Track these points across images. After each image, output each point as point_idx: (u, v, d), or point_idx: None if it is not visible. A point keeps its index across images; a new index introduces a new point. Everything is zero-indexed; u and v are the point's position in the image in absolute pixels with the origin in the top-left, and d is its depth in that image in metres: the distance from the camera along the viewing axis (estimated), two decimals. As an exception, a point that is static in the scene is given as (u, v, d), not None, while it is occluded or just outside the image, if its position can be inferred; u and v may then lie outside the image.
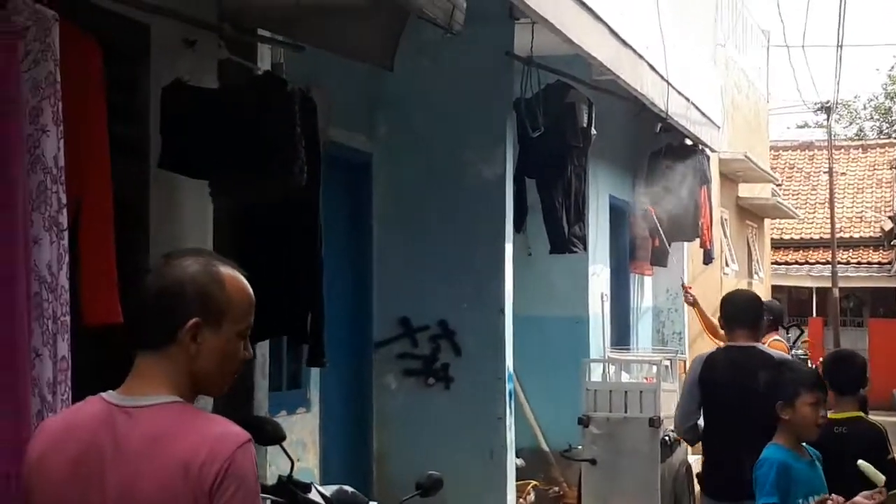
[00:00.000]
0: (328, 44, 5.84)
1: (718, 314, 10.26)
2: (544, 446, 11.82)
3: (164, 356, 2.80)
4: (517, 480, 9.75)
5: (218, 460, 2.68)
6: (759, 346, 7.31)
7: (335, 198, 8.30)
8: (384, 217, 9.44)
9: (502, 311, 9.21)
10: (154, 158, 5.47)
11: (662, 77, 11.57)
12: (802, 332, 13.74)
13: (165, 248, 5.38)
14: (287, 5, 5.36)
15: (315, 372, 8.23)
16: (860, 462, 5.33)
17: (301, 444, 8.00)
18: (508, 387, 9.25)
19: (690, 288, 12.13)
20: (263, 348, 6.37)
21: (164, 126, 5.29)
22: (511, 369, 9.35)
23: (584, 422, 9.92)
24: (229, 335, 2.85)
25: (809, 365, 25.58)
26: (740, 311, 7.35)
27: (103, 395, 2.85)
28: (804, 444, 5.54)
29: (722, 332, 8.66)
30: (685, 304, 14.40)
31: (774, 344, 10.23)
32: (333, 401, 8.80)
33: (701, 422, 7.31)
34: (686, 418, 7.37)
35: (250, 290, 2.90)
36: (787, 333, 12.56)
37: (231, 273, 2.87)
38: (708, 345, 12.19)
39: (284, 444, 4.92)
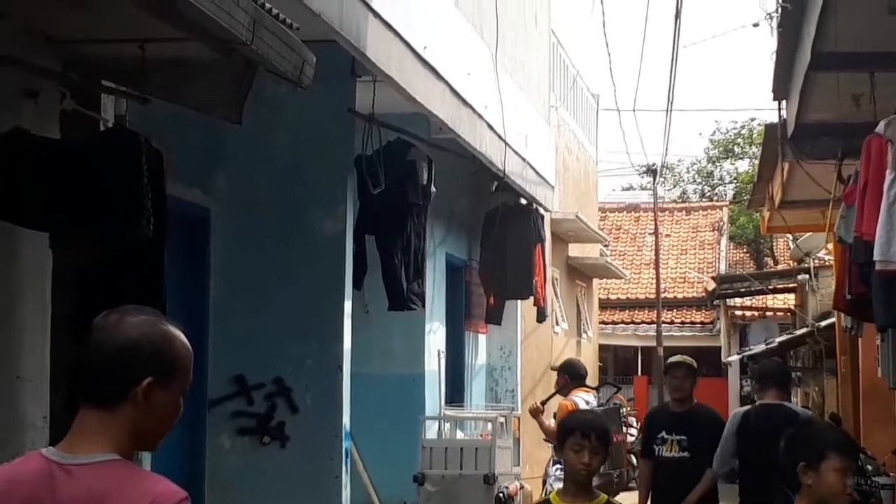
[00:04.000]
0: (175, 96, 5.76)
1: (557, 375, 10.53)
2: (378, 505, 11.73)
3: (111, 413, 2.80)
4: (351, 541, 9.65)
5: None
6: (787, 404, 8.54)
7: (169, 252, 8.14)
8: (222, 273, 9.29)
9: (340, 368, 9.15)
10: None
11: (500, 136, 11.73)
12: (618, 389, 13.98)
13: (3, 300, 5.21)
14: (133, 57, 5.26)
15: (147, 430, 8.01)
16: None
17: (133, 505, 7.77)
18: (345, 445, 9.17)
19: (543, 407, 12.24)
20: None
21: (1, 175, 5.12)
22: (348, 427, 9.27)
23: (419, 479, 9.89)
24: (177, 392, 2.88)
25: (634, 423, 26.10)
26: (772, 373, 8.67)
27: (43, 451, 2.82)
28: None
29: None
30: (518, 364, 14.56)
31: (563, 403, 10.87)
32: (165, 460, 8.58)
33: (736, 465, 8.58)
34: (723, 464, 8.61)
35: (190, 346, 2.92)
36: (598, 392, 12.83)
37: (176, 331, 2.90)
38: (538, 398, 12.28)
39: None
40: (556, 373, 12.26)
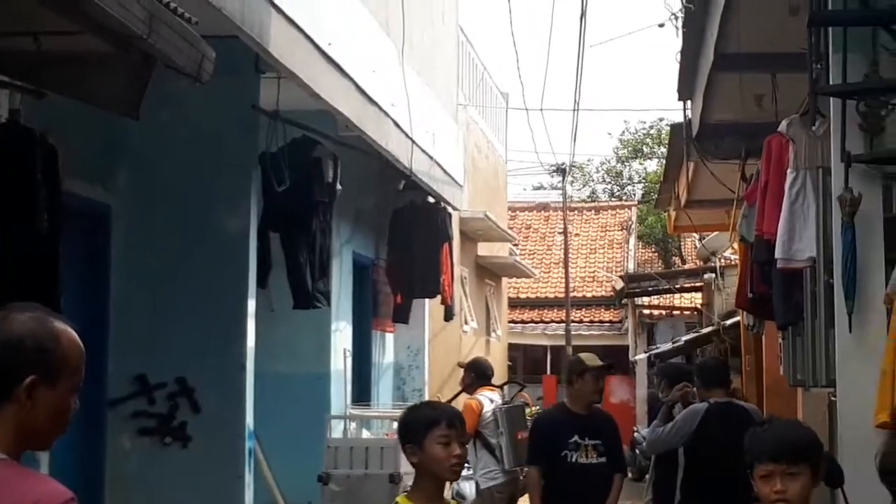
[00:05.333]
0: (71, 91, 5.64)
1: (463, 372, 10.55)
2: (283, 506, 11.64)
3: None
4: (255, 541, 9.56)
5: None
6: (738, 402, 8.83)
7: (69, 249, 8.00)
8: (123, 271, 9.15)
9: (243, 367, 9.06)
10: None
11: (407, 135, 11.70)
12: (523, 387, 14.06)
13: None
14: (28, 50, 5.14)
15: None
16: None
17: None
18: (248, 445, 9.08)
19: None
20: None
21: None
22: (251, 427, 9.18)
23: (324, 479, 9.82)
24: (64, 390, 2.82)
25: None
26: (713, 370, 9.03)
27: None
28: None
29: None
30: (426, 363, 14.57)
31: (468, 402, 11.04)
32: (63, 461, 8.42)
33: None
34: (655, 450, 9.10)
35: (81, 344, 2.88)
36: (503, 390, 12.90)
37: (64, 328, 2.85)
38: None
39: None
40: (462, 370, 12.27)
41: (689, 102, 10.90)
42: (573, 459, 8.42)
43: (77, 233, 8.50)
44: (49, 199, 5.26)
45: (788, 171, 6.79)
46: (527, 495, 8.84)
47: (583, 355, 9.02)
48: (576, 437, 8.45)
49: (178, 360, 9.11)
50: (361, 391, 13.84)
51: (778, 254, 6.74)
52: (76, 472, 8.75)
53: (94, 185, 8.83)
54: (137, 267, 9.15)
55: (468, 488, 13.58)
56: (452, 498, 14.55)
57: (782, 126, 7.04)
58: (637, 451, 19.72)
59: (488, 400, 11.80)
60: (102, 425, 9.05)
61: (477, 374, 11.99)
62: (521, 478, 13.58)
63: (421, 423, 4.58)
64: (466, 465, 13.78)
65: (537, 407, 29.70)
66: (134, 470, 9.08)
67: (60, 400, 2.82)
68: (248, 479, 9.11)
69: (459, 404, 11.68)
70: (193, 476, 8.97)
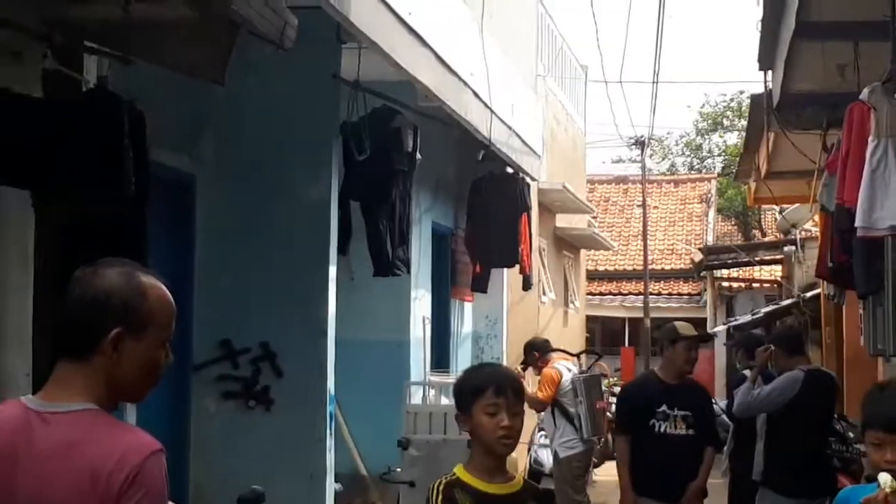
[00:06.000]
0: (158, 58, 5.77)
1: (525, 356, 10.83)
2: (363, 470, 11.79)
3: (85, 365, 2.85)
4: (336, 505, 9.72)
5: (126, 468, 2.72)
6: (823, 368, 9.53)
7: (155, 218, 8.16)
8: (207, 239, 9.31)
9: (325, 333, 9.18)
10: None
11: (486, 104, 11.74)
12: (599, 356, 14.12)
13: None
14: (116, 17, 5.26)
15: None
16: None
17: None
18: (329, 409, 9.21)
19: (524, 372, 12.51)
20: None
21: (-19, 132, 5.15)
22: (332, 392, 9.32)
23: (403, 444, 9.93)
24: (151, 344, 2.90)
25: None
26: (795, 339, 9.40)
27: (23, 399, 2.89)
28: None
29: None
30: (504, 332, 14.66)
31: (547, 372, 11.46)
32: (149, 423, 8.60)
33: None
34: (756, 410, 9.01)
35: (171, 299, 2.96)
36: (579, 360, 13.05)
37: (153, 283, 2.93)
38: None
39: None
40: (524, 353, 12.47)
41: (769, 72, 10.82)
42: (661, 430, 8.30)
43: (162, 202, 8.66)
44: (137, 166, 5.38)
45: (870, 139, 6.77)
46: (614, 465, 8.78)
47: (678, 324, 8.86)
48: (664, 407, 8.32)
49: (261, 326, 9.25)
50: (440, 359, 13.95)
51: (858, 222, 6.72)
52: (162, 433, 8.81)
53: (179, 154, 8.98)
54: (222, 235, 9.30)
55: (546, 457, 13.70)
56: (531, 464, 14.71)
57: (864, 94, 7.01)
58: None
59: (566, 369, 11.89)
60: (188, 388, 9.23)
61: (538, 348, 12.12)
62: (598, 448, 13.67)
63: (468, 390, 4.26)
64: (544, 433, 13.93)
65: (615, 378, 29.71)
66: (218, 432, 9.26)
67: (147, 353, 2.90)
68: (330, 442, 9.25)
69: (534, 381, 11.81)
70: (276, 439, 9.12)
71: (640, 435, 8.35)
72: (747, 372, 9.65)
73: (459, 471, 4.30)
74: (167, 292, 2.96)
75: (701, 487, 8.36)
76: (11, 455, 2.78)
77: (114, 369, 2.86)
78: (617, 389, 26.48)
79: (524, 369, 12.20)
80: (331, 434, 9.26)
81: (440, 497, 4.24)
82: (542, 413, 12.54)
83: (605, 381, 14.63)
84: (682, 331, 8.52)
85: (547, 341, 12.56)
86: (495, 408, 4.15)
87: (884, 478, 4.05)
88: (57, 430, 2.79)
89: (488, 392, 4.15)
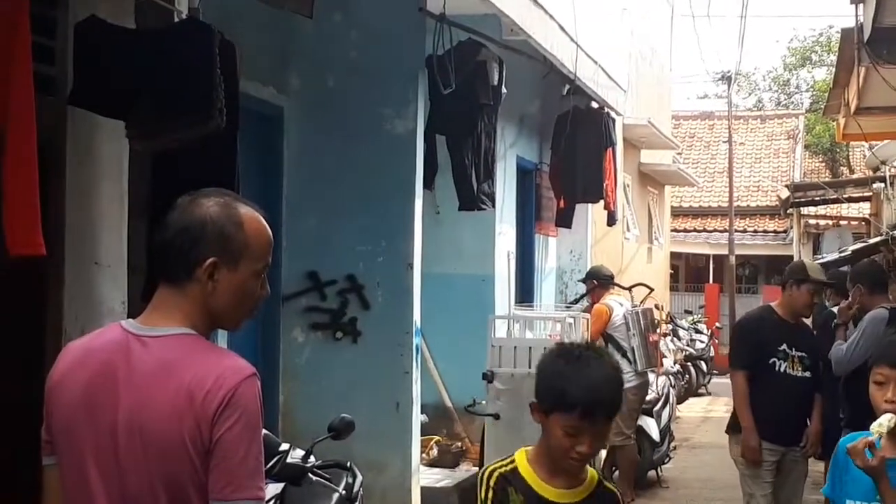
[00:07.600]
0: (247, -11, 5.82)
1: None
2: (448, 402, 11.92)
3: (182, 291, 2.92)
4: (421, 436, 9.84)
5: (222, 390, 2.80)
6: None
7: (244, 150, 8.26)
8: (294, 171, 9.42)
9: (411, 266, 9.27)
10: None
11: (572, 39, 11.68)
12: (651, 290, 13.99)
13: (81, 187, 5.35)
14: (207, -51, 5.33)
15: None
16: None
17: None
18: (415, 341, 9.32)
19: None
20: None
21: (77, 62, 5.23)
22: (418, 324, 9.41)
23: (488, 377, 9.98)
24: (246, 274, 2.95)
25: (704, 330, 26.05)
26: (879, 276, 8.83)
27: (122, 323, 2.98)
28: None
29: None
30: (587, 268, 14.67)
31: (598, 308, 11.61)
32: (241, 352, 8.76)
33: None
34: (857, 362, 7.69)
35: (268, 230, 3.00)
36: (631, 293, 13.00)
37: (250, 214, 2.97)
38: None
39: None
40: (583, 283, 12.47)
41: (860, 6, 10.64)
42: (781, 369, 7.89)
43: (251, 134, 8.76)
44: (227, 97, 5.43)
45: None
46: (732, 401, 8.25)
47: (808, 263, 8.50)
48: (784, 346, 7.90)
49: (347, 258, 9.36)
50: (524, 293, 14.00)
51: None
52: (253, 362, 9.07)
53: (267, 86, 9.08)
54: (308, 168, 9.40)
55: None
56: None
57: (957, 25, 6.89)
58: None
59: (617, 304, 11.91)
60: (277, 319, 9.38)
61: (598, 279, 12.13)
62: (682, 384, 13.66)
63: (550, 395, 3.49)
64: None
65: (698, 315, 29.54)
66: (306, 362, 9.41)
67: (242, 283, 2.94)
68: (416, 374, 9.36)
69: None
70: (363, 370, 9.26)
71: (759, 373, 7.92)
72: (835, 309, 9.51)
73: (520, 458, 3.62)
74: (265, 224, 2.99)
75: (820, 433, 7.95)
76: (112, 375, 2.86)
77: (209, 298, 2.92)
78: (701, 326, 26.54)
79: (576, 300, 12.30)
80: (417, 366, 9.37)
81: (490, 493, 3.56)
82: None
83: (658, 315, 14.52)
84: (813, 273, 8.05)
85: (611, 276, 12.53)
86: (576, 430, 3.43)
87: (879, 422, 4.13)
88: (155, 352, 2.87)
89: (574, 413, 3.41)
